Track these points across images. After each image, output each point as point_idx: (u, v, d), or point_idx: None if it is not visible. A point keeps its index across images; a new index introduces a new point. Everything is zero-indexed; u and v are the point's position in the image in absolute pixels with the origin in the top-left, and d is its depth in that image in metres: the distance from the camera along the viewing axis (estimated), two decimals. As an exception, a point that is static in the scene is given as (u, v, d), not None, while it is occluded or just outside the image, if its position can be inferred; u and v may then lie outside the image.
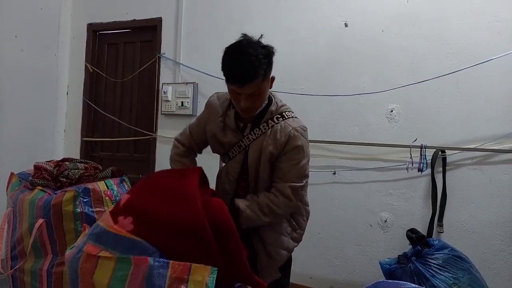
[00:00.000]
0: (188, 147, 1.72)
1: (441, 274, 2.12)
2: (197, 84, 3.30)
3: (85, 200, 2.04)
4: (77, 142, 3.84)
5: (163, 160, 3.46)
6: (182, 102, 3.33)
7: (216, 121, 1.62)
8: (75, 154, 3.73)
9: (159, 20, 3.53)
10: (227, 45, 1.48)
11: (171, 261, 1.13)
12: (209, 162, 1.80)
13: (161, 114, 3.48)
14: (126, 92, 3.76)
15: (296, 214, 1.68)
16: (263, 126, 1.55)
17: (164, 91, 3.39)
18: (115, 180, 2.31)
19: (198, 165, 1.79)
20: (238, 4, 3.23)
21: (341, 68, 2.90)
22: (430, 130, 2.65)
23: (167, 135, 3.42)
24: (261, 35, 1.48)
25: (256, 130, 1.55)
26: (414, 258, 2.23)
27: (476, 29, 2.56)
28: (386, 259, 2.40)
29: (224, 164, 1.74)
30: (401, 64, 2.73)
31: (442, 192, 2.59)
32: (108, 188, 2.20)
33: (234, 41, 1.49)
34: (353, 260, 2.84)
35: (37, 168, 2.18)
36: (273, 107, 1.57)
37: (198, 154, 1.80)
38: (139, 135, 3.61)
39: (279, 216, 1.54)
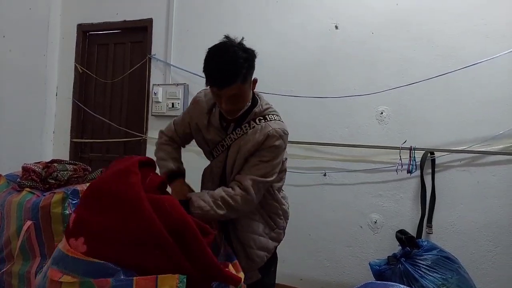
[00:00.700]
0: (171, 138, 1.76)
1: (430, 275, 2.14)
2: (188, 85, 3.29)
3: (74, 202, 2.02)
4: (66, 143, 3.80)
5: (153, 162, 3.44)
6: (172, 104, 3.31)
7: (201, 117, 1.63)
8: (64, 155, 3.69)
9: (149, 21, 3.51)
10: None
11: (134, 278, 1.08)
12: (202, 162, 1.79)
13: (152, 115, 3.46)
14: (116, 93, 3.73)
15: (272, 214, 1.67)
16: (245, 126, 1.55)
17: (154, 92, 3.37)
18: (104, 182, 2.29)
19: (193, 166, 1.83)
20: (229, 6, 3.23)
21: (331, 70, 2.91)
22: (419, 132, 2.68)
23: (157, 136, 3.40)
24: (243, 38, 1.48)
25: (238, 130, 1.55)
26: (404, 259, 2.25)
27: (464, 32, 2.60)
28: (376, 260, 2.42)
29: (209, 161, 1.75)
30: (391, 67, 2.76)
31: (431, 194, 2.62)
32: (97, 190, 2.18)
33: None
34: (344, 261, 2.85)
35: (25, 169, 2.15)
36: (257, 109, 1.56)
37: (186, 147, 1.82)
38: (129, 136, 3.59)
39: (235, 211, 1.47)
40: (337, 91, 2.86)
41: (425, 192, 2.62)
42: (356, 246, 2.83)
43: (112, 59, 3.75)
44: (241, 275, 1.40)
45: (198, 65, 3.52)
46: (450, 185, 2.61)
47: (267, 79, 3.03)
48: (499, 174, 2.51)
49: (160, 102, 3.37)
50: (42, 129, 3.73)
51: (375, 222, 2.78)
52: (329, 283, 2.88)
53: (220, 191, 1.48)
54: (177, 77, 3.38)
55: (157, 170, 1.65)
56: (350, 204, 2.84)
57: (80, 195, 2.07)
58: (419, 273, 2.17)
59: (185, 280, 1.06)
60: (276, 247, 1.72)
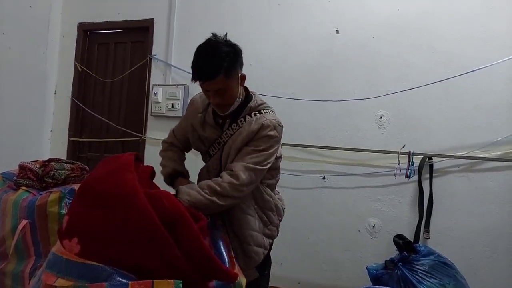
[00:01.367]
0: (170, 143, 1.81)
1: (427, 280, 2.14)
2: (188, 86, 3.29)
3: (70, 201, 2.00)
4: (64, 142, 3.79)
5: (151, 162, 3.42)
6: (172, 104, 3.31)
7: (196, 116, 1.66)
8: (62, 154, 3.67)
9: (151, 21, 3.51)
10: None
11: (130, 282, 1.06)
12: (199, 164, 1.78)
13: (151, 115, 3.45)
14: (116, 93, 3.72)
15: (266, 210, 1.66)
16: (241, 121, 1.56)
17: (154, 93, 3.37)
18: (102, 182, 2.28)
19: (192, 167, 1.82)
20: (231, 8, 3.23)
21: (332, 74, 2.92)
22: (418, 137, 2.68)
23: (156, 136, 3.40)
24: (226, 34, 1.51)
25: (234, 125, 1.57)
26: (401, 264, 2.25)
27: (464, 39, 2.60)
28: (373, 265, 2.41)
29: (205, 163, 1.75)
30: (391, 71, 2.77)
31: (428, 199, 2.62)
32: (94, 190, 2.17)
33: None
34: (341, 265, 2.85)
35: (22, 168, 2.13)
36: (252, 103, 1.58)
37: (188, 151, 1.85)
38: (127, 136, 3.58)
39: (223, 197, 1.43)
40: (338, 94, 2.86)
41: (423, 197, 2.62)
42: (354, 250, 2.82)
43: (112, 58, 3.75)
44: (237, 270, 1.37)
45: (198, 66, 3.50)
46: (448, 191, 2.61)
47: (267, 81, 3.04)
48: (497, 180, 2.51)
49: (160, 102, 3.36)
50: (40, 127, 3.72)
51: (373, 226, 2.77)
52: (326, 287, 2.87)
53: (206, 181, 1.48)
54: (177, 77, 3.37)
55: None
56: (349, 208, 2.83)
57: (77, 194, 2.05)
58: (417, 278, 2.16)
59: (180, 286, 1.04)
60: (271, 245, 1.71)
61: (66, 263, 1.13)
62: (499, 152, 2.49)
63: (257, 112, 1.57)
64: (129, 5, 3.61)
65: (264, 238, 1.65)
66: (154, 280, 1.04)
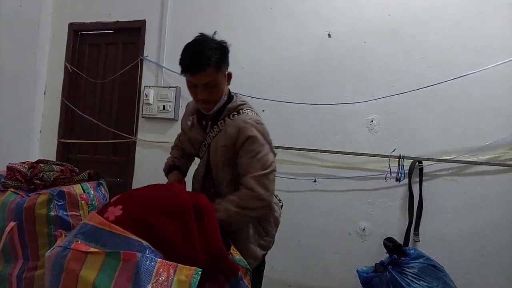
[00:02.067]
0: (176, 145, 1.95)
1: (417, 283, 2.15)
2: (180, 88, 3.28)
3: (59, 203, 1.98)
4: (53, 143, 3.74)
5: (142, 164, 3.41)
6: (164, 106, 3.29)
7: (187, 119, 1.73)
8: (51, 155, 3.63)
9: (143, 23, 3.50)
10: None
11: (158, 259, 1.14)
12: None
13: (142, 117, 3.43)
14: (106, 94, 3.69)
15: (263, 221, 1.64)
16: (221, 123, 1.58)
17: (145, 94, 3.35)
18: (91, 184, 2.26)
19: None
20: (224, 11, 3.23)
21: (323, 77, 2.93)
22: (408, 140, 2.70)
23: (147, 138, 3.38)
24: (215, 32, 1.55)
25: (215, 128, 1.59)
26: (391, 266, 2.26)
27: (455, 44, 2.64)
28: (364, 268, 2.43)
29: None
30: (382, 76, 2.79)
31: (418, 202, 2.64)
32: (84, 192, 2.15)
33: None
34: (332, 268, 2.85)
35: (10, 169, 2.11)
36: (231, 105, 1.59)
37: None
38: (118, 137, 3.55)
39: (248, 210, 1.46)
40: (329, 98, 2.88)
41: (413, 200, 2.64)
42: (344, 253, 2.83)
43: (103, 59, 3.72)
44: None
45: (190, 68, 3.49)
46: (438, 194, 2.63)
47: (259, 84, 3.04)
48: (486, 184, 2.54)
49: (151, 104, 3.34)
50: (29, 128, 3.67)
51: (364, 230, 2.79)
52: (316, 290, 2.88)
53: (228, 196, 1.49)
54: (169, 79, 3.36)
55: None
56: (339, 211, 2.85)
57: (66, 196, 2.03)
58: (406, 281, 2.18)
59: (199, 274, 1.11)
60: (264, 256, 1.69)
61: (102, 233, 1.21)
62: (488, 156, 2.52)
63: (235, 113, 1.57)
64: (121, 6, 3.59)
65: (258, 249, 1.62)
66: (178, 264, 1.13)
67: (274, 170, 1.50)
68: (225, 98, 1.58)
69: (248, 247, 1.59)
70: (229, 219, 1.43)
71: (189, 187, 1.76)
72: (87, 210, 2.10)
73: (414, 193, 2.64)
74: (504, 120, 2.52)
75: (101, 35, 3.74)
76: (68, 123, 3.77)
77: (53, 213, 1.94)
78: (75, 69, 3.74)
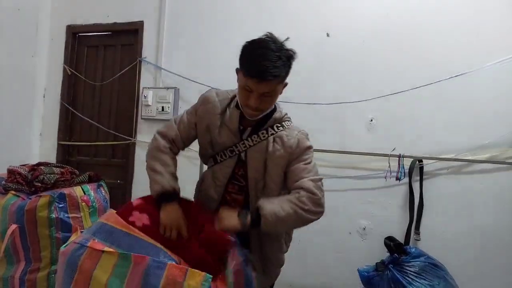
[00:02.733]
0: (171, 141, 1.55)
1: (418, 282, 2.16)
2: (179, 89, 3.28)
3: (60, 205, 1.99)
4: (53, 146, 3.74)
5: (142, 165, 3.40)
6: (162, 107, 3.29)
7: (213, 118, 1.50)
8: (51, 158, 3.63)
9: (141, 24, 3.49)
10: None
11: (168, 263, 1.16)
12: (190, 168, 1.78)
13: (141, 118, 3.43)
14: (105, 96, 3.69)
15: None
16: (263, 133, 1.48)
17: (144, 96, 3.35)
18: (92, 185, 2.27)
19: (178, 170, 1.65)
20: (222, 11, 3.23)
21: (322, 76, 2.93)
22: (408, 139, 2.71)
23: (146, 140, 3.38)
24: (287, 38, 1.45)
25: (255, 137, 1.48)
26: (392, 265, 2.27)
27: (453, 43, 2.64)
28: (364, 267, 2.43)
29: (208, 168, 1.64)
30: (381, 75, 2.79)
31: (419, 201, 2.64)
32: (84, 194, 2.16)
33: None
34: (333, 267, 2.86)
35: (11, 172, 2.11)
36: (277, 114, 1.52)
37: (180, 151, 1.62)
38: (117, 139, 3.55)
39: (306, 211, 1.40)
40: (328, 97, 2.88)
41: (413, 199, 2.65)
42: (345, 252, 2.83)
43: (102, 61, 3.72)
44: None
45: (189, 69, 3.53)
46: (438, 193, 2.64)
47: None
48: (486, 182, 2.55)
49: (150, 105, 3.34)
50: (29, 131, 3.67)
51: (364, 229, 2.79)
52: (317, 289, 2.88)
53: (284, 197, 1.42)
54: (167, 80, 3.36)
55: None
56: (340, 210, 2.85)
57: (67, 198, 2.03)
58: (407, 279, 2.18)
59: (210, 281, 1.14)
60: None
61: (118, 234, 1.26)
62: (488, 155, 2.53)
63: (279, 125, 1.52)
64: (119, 7, 3.59)
65: (284, 256, 1.67)
66: (189, 268, 1.16)
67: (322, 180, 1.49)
68: (272, 107, 1.50)
69: (279, 257, 1.63)
70: (286, 218, 1.38)
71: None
72: (88, 211, 2.11)
73: (414, 191, 2.65)
74: (504, 119, 2.53)
75: (99, 37, 3.74)
76: (68, 126, 3.77)
77: (54, 215, 1.95)
78: (74, 72, 3.74)
